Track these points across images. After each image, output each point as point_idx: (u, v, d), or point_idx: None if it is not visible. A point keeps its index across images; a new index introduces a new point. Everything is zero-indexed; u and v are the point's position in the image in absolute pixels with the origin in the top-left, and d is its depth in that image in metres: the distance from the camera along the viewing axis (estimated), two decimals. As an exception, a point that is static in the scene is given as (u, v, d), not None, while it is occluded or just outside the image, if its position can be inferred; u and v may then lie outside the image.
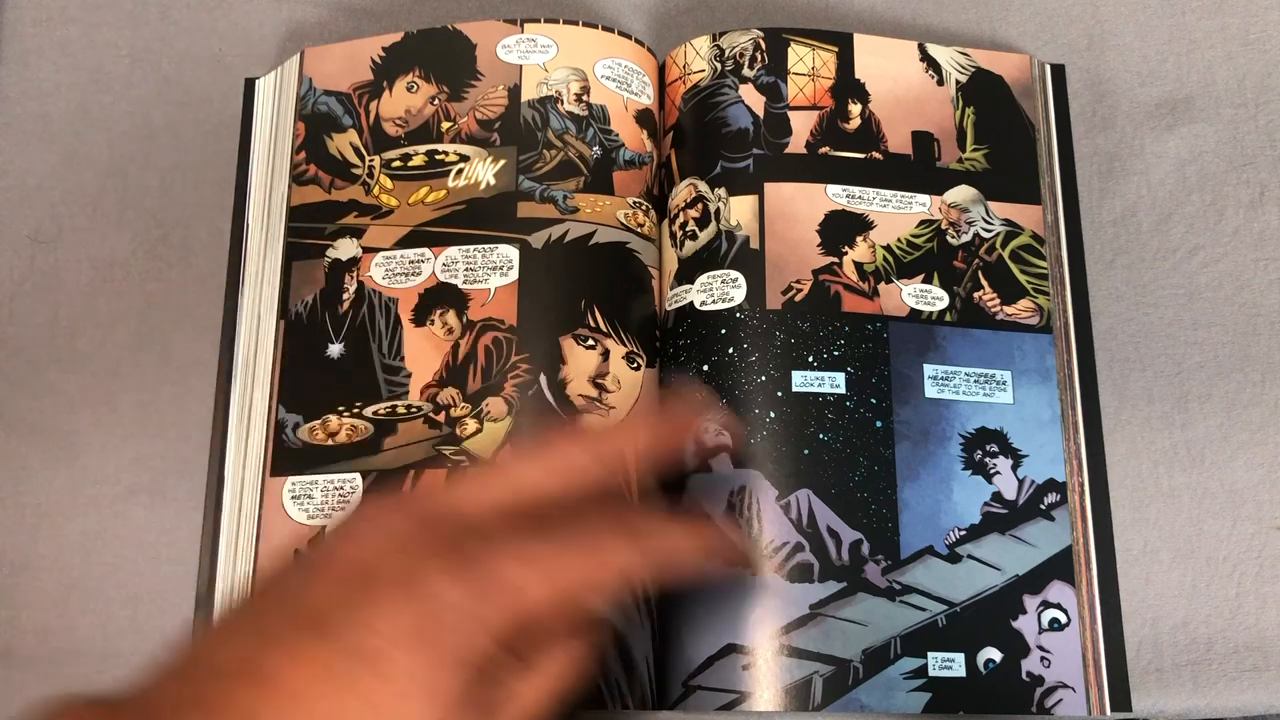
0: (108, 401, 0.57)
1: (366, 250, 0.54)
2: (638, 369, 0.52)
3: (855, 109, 0.56)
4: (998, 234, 0.55)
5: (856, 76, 0.57)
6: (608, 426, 0.43)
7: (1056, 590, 0.51)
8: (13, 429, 0.57)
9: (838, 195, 0.55)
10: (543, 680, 0.37)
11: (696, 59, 0.57)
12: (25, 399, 0.57)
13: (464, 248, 0.54)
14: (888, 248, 0.54)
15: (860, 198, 0.55)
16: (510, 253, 0.53)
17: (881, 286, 0.54)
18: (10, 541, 0.55)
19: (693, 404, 0.44)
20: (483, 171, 0.55)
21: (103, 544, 0.55)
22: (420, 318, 0.53)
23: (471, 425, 0.51)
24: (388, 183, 0.55)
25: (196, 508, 0.54)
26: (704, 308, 0.53)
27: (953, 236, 0.55)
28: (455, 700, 0.33)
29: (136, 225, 0.60)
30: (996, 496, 0.52)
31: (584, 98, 0.55)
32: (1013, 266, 0.55)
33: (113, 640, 0.53)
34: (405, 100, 0.56)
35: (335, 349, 0.53)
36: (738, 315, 0.53)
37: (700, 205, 0.55)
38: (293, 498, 0.51)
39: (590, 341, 0.52)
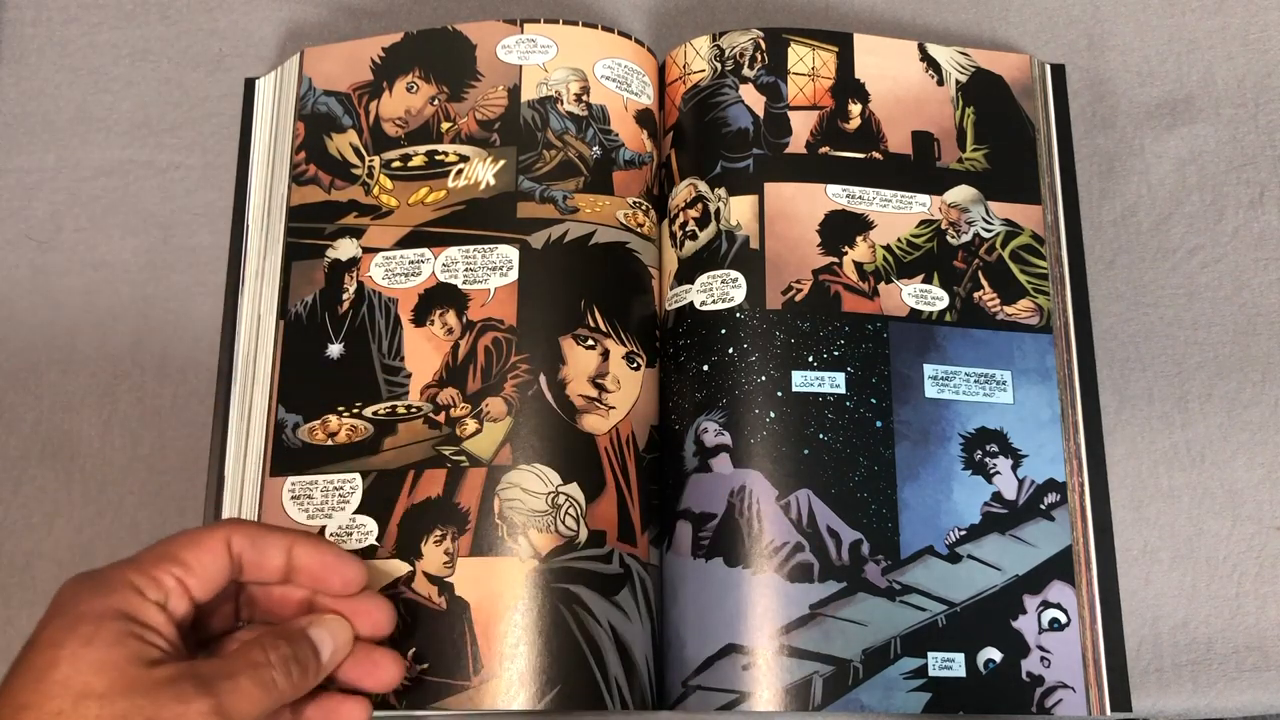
0: (108, 401, 0.57)
1: (366, 250, 0.54)
2: (637, 369, 0.52)
3: (855, 109, 0.56)
4: (998, 234, 0.55)
5: (856, 76, 0.57)
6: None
7: (1056, 590, 0.51)
8: (13, 429, 0.57)
9: (838, 195, 0.55)
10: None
11: (696, 59, 0.57)
12: (25, 399, 0.57)
13: (464, 248, 0.53)
14: (888, 248, 0.54)
15: (860, 198, 0.55)
16: (510, 253, 0.53)
17: (881, 286, 0.54)
18: (10, 541, 0.55)
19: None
20: (482, 172, 0.55)
21: (103, 544, 0.54)
22: (420, 318, 0.53)
23: (471, 425, 0.51)
24: (387, 183, 0.55)
25: (196, 508, 0.54)
26: (704, 308, 0.53)
27: (953, 236, 0.55)
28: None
29: (136, 225, 0.60)
30: (996, 496, 0.52)
31: (584, 98, 0.55)
32: (1013, 266, 0.55)
33: (113, 640, 0.53)
34: (405, 101, 0.56)
35: (335, 349, 0.53)
36: (738, 315, 0.53)
37: (700, 205, 0.55)
38: (293, 498, 0.51)
39: (590, 341, 0.52)
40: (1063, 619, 0.51)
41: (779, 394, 0.51)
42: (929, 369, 0.53)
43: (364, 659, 0.45)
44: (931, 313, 0.54)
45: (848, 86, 0.57)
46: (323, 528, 0.51)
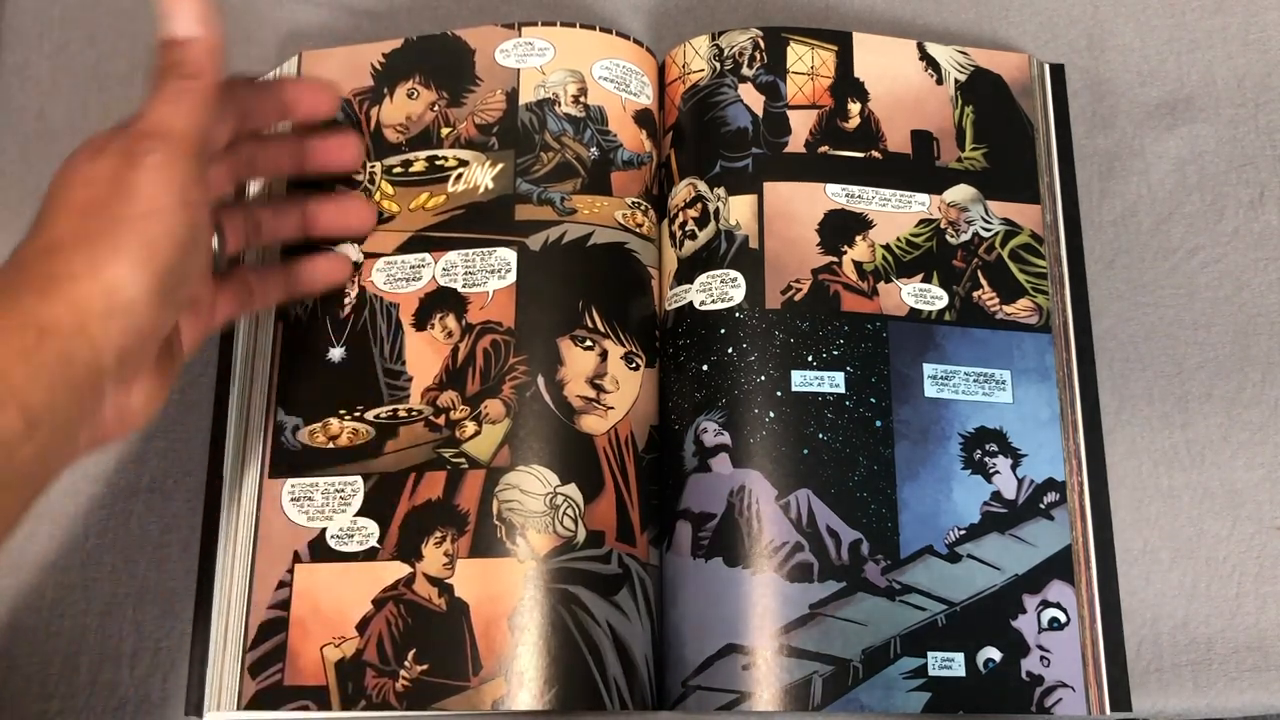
0: (109, 403, 0.57)
1: (368, 255, 0.54)
2: (636, 369, 0.52)
3: (854, 108, 0.56)
4: (997, 233, 0.55)
5: (856, 75, 0.57)
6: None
7: (1056, 590, 0.51)
8: (14, 431, 0.57)
9: (837, 194, 0.55)
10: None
11: (696, 58, 0.57)
12: (27, 401, 0.57)
13: (463, 251, 0.54)
14: (887, 247, 0.54)
15: (859, 197, 0.55)
16: (508, 255, 0.53)
17: (881, 286, 0.54)
18: (10, 542, 0.55)
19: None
20: (481, 175, 0.55)
21: (103, 544, 0.55)
22: (421, 322, 0.53)
23: (470, 427, 0.51)
24: (389, 189, 0.55)
25: (196, 508, 0.54)
26: (703, 307, 0.53)
27: (952, 236, 0.55)
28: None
29: (137, 227, 0.60)
30: (996, 496, 0.52)
31: (581, 99, 0.55)
32: (1012, 266, 0.55)
33: (113, 641, 0.53)
34: (406, 107, 0.56)
35: (336, 353, 0.53)
36: (737, 315, 0.53)
37: (699, 205, 0.55)
38: (293, 499, 0.51)
39: (588, 342, 0.52)
40: (1062, 618, 0.51)
41: (778, 394, 0.51)
42: (928, 368, 0.53)
43: (326, 141, 0.53)
44: (931, 312, 0.54)
45: (847, 85, 0.57)
46: (324, 529, 0.51)
